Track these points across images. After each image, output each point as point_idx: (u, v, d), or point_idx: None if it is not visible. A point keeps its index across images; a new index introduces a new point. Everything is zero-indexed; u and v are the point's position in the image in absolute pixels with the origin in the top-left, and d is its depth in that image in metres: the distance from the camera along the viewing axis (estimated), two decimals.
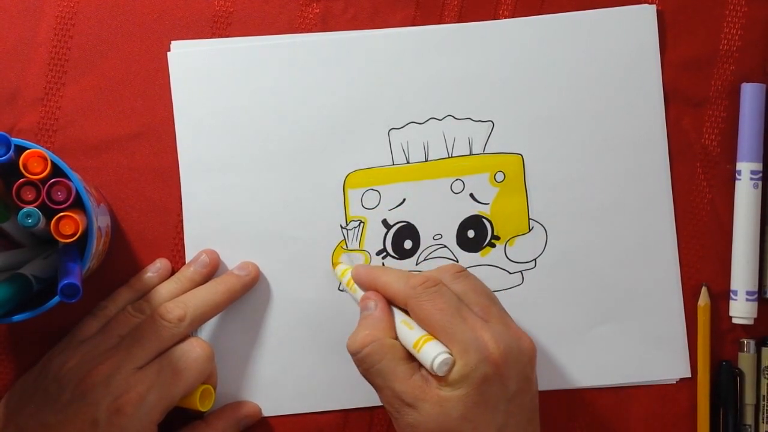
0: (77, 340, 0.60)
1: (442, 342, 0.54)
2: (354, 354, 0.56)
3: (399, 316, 0.57)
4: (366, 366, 0.56)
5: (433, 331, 0.55)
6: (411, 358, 0.55)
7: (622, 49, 0.65)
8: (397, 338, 0.56)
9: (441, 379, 0.53)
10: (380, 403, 0.64)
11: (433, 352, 0.53)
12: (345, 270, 0.63)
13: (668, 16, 0.65)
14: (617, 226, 0.65)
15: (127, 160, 0.64)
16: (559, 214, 0.65)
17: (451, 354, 0.53)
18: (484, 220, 0.65)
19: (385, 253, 0.64)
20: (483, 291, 0.58)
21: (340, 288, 0.64)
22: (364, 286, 0.60)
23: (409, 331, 0.56)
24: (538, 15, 0.65)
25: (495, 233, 0.65)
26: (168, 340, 0.59)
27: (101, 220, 0.58)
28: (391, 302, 0.58)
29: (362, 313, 0.58)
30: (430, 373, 0.54)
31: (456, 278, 0.58)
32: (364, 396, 0.64)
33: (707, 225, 0.65)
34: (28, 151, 0.53)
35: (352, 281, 0.62)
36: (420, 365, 0.55)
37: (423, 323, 0.55)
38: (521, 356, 0.55)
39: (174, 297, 0.62)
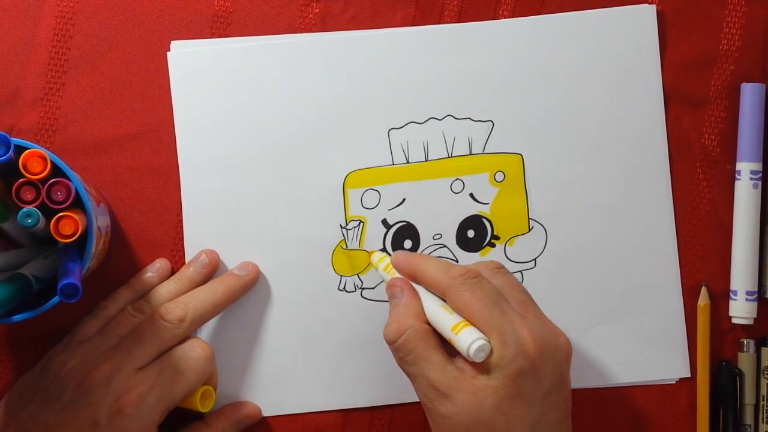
0: (77, 340, 0.60)
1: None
2: (391, 343, 0.56)
3: (436, 301, 0.57)
4: (402, 354, 0.55)
5: (471, 320, 0.54)
6: (445, 346, 0.55)
7: (622, 49, 0.65)
8: (428, 324, 0.56)
9: (477, 368, 0.53)
10: (380, 403, 0.64)
11: (470, 338, 0.53)
12: (383, 257, 0.63)
13: (668, 16, 0.65)
14: (617, 226, 0.65)
15: (126, 160, 0.64)
16: (558, 214, 0.65)
17: (488, 341, 0.53)
18: (484, 219, 0.65)
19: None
20: (520, 288, 0.58)
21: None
22: (404, 273, 0.60)
23: (448, 316, 0.55)
24: (538, 15, 0.65)
25: (495, 233, 0.65)
26: (168, 341, 0.59)
27: (101, 220, 0.58)
28: (429, 290, 0.58)
29: (391, 301, 0.58)
30: (466, 362, 0.53)
31: (495, 273, 0.58)
32: (364, 396, 0.64)
33: (707, 225, 0.65)
34: (27, 151, 0.53)
35: (390, 267, 0.61)
36: (454, 355, 0.55)
37: (461, 313, 0.55)
38: (558, 353, 0.55)
39: (174, 297, 0.62)
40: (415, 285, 0.59)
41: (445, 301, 0.57)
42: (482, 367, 0.53)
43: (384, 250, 0.64)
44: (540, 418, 0.54)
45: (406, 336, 0.55)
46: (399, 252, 0.62)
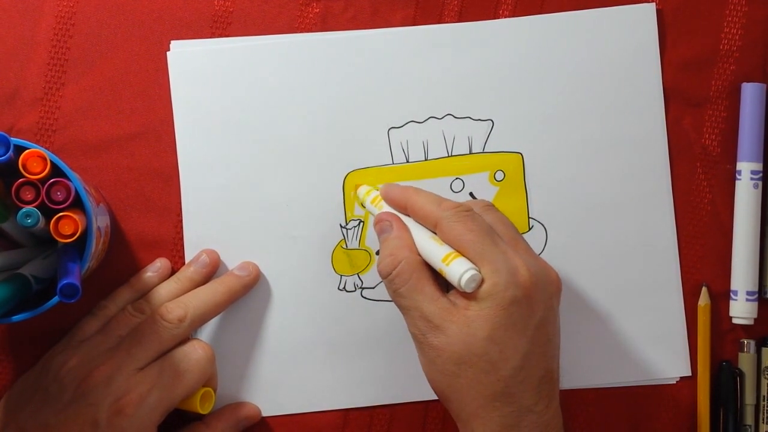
0: (77, 339, 0.60)
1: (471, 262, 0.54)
2: (385, 276, 0.56)
3: (426, 233, 0.57)
4: (396, 286, 0.55)
5: (463, 251, 0.54)
6: (438, 279, 0.55)
7: (622, 49, 0.65)
8: (419, 255, 0.56)
9: (469, 298, 0.53)
10: (380, 403, 0.64)
11: (461, 268, 0.53)
12: (370, 189, 0.63)
13: (668, 16, 0.65)
14: (617, 225, 0.65)
15: (126, 160, 0.64)
16: (558, 214, 0.65)
17: (479, 271, 0.53)
18: None
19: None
20: (511, 225, 0.58)
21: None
22: (394, 205, 0.60)
23: (438, 247, 0.55)
24: (538, 14, 0.65)
25: None
26: (168, 341, 0.59)
27: (101, 220, 0.58)
28: (420, 222, 0.58)
29: (381, 236, 0.58)
30: (458, 294, 0.53)
31: (486, 210, 0.57)
32: (364, 396, 0.64)
33: (707, 225, 0.65)
34: (27, 151, 0.53)
35: (378, 199, 0.61)
36: (446, 288, 0.55)
37: (453, 244, 0.55)
38: (549, 286, 0.55)
39: (174, 297, 0.62)
40: (403, 217, 0.58)
41: (435, 233, 0.56)
42: (474, 297, 0.53)
43: None
44: (532, 350, 0.53)
45: (400, 267, 0.55)
46: (388, 183, 0.62)
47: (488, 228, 0.55)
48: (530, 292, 0.53)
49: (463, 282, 0.52)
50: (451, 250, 0.54)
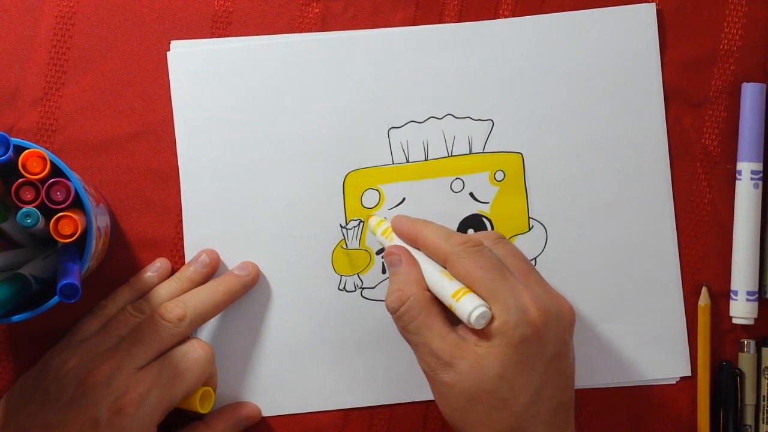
0: (77, 339, 0.60)
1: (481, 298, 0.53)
2: (393, 312, 0.56)
3: (436, 267, 0.56)
4: (404, 323, 0.55)
5: (472, 288, 0.54)
6: (447, 314, 0.55)
7: (622, 49, 0.65)
8: (428, 290, 0.56)
9: (479, 335, 0.53)
10: (380, 403, 0.64)
11: (471, 305, 0.52)
12: (381, 221, 0.62)
13: (668, 16, 0.65)
14: (617, 225, 0.65)
15: (126, 160, 0.64)
16: (559, 214, 0.65)
17: (489, 308, 0.53)
18: (484, 219, 0.65)
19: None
20: (522, 256, 0.58)
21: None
22: (404, 238, 0.60)
23: (448, 282, 0.55)
24: (538, 14, 0.65)
25: None
26: (168, 340, 0.59)
27: (100, 220, 0.58)
28: (430, 256, 0.58)
29: (390, 269, 0.58)
30: (468, 330, 0.53)
31: (496, 243, 0.57)
32: (364, 396, 0.64)
33: (707, 225, 0.65)
34: (27, 151, 0.53)
35: (388, 231, 0.61)
36: (456, 323, 0.54)
37: (463, 280, 0.55)
38: (561, 320, 0.55)
39: (174, 297, 0.62)
40: (413, 251, 0.58)
41: (445, 267, 0.56)
42: (484, 335, 0.53)
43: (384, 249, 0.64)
44: (543, 385, 0.53)
45: (408, 304, 0.55)
46: (399, 216, 0.62)
47: (498, 263, 0.55)
48: (540, 329, 0.53)
49: (472, 319, 0.52)
50: (461, 286, 0.54)
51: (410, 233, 0.59)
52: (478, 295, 0.54)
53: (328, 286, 0.64)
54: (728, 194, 0.65)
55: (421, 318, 0.55)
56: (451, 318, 0.55)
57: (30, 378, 0.60)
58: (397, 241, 0.60)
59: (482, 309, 0.52)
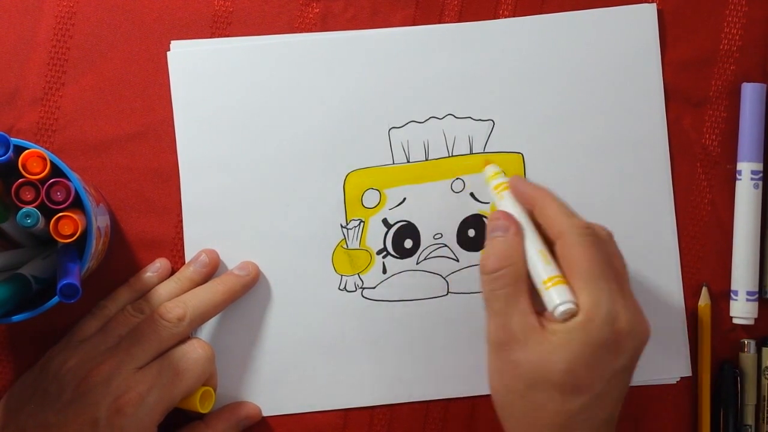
0: (77, 339, 0.60)
1: (576, 288, 0.52)
2: (488, 272, 0.54)
3: (537, 245, 0.55)
4: (494, 287, 0.54)
5: (572, 274, 0.53)
6: (534, 295, 0.54)
7: (622, 49, 0.65)
8: (526, 267, 0.55)
9: (560, 325, 0.52)
10: (380, 403, 0.64)
11: (558, 298, 0.52)
12: (498, 173, 0.61)
13: (668, 16, 0.65)
14: (617, 225, 0.64)
15: (126, 160, 0.64)
16: None
17: (577, 306, 0.52)
18: (485, 219, 0.65)
19: (385, 253, 0.64)
20: (625, 264, 0.56)
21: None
22: (522, 199, 0.58)
23: (543, 267, 0.54)
24: (539, 14, 0.65)
25: None
26: (168, 340, 0.59)
27: (100, 220, 0.58)
28: (539, 227, 0.56)
29: (493, 233, 0.56)
30: (551, 317, 0.52)
31: (609, 240, 0.56)
32: (364, 396, 0.64)
33: (708, 225, 0.65)
34: (27, 151, 0.53)
35: (501, 187, 0.59)
36: (539, 305, 0.53)
37: (566, 263, 0.53)
38: (640, 337, 0.53)
39: (174, 297, 0.62)
40: (521, 220, 0.57)
41: (545, 249, 0.55)
42: (566, 326, 0.52)
43: (385, 249, 0.64)
44: (606, 392, 0.52)
45: (506, 270, 0.54)
46: (521, 179, 0.60)
47: (607, 261, 0.54)
48: (621, 339, 0.52)
49: (557, 312, 0.52)
50: (556, 273, 0.53)
51: (530, 197, 0.57)
52: (574, 283, 0.52)
53: (329, 286, 0.64)
54: (728, 194, 0.65)
55: (512, 289, 0.53)
56: (536, 301, 0.54)
57: (30, 378, 0.60)
58: (505, 204, 0.58)
59: (569, 306, 0.51)
